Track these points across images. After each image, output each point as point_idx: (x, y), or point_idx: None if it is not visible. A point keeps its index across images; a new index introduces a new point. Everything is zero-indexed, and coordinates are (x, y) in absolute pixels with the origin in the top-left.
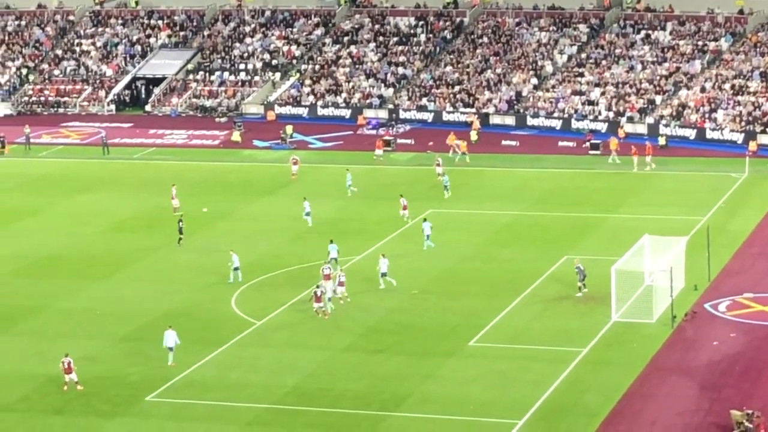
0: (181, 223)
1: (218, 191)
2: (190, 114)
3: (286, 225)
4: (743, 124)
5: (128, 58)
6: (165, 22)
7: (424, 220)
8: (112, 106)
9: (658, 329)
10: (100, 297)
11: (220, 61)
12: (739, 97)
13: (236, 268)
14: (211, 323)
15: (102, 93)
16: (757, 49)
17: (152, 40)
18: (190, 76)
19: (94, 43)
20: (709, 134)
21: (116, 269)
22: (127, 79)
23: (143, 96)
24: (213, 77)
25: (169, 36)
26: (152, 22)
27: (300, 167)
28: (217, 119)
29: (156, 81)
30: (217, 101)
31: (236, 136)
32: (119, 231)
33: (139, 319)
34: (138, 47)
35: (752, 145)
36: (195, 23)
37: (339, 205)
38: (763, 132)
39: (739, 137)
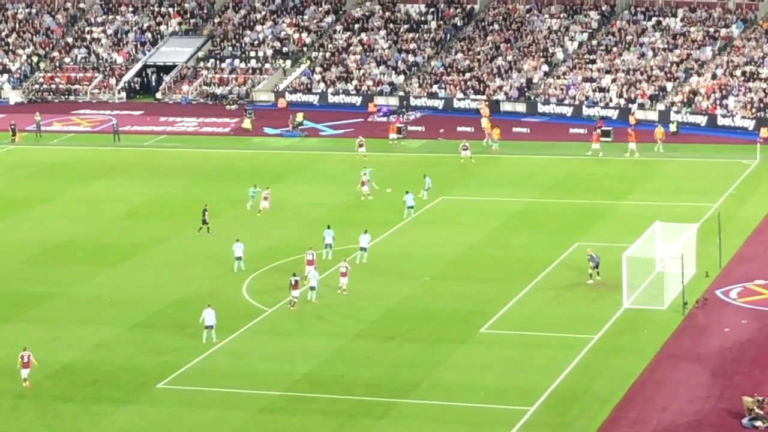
0: (206, 213)
1: (229, 178)
2: (201, 101)
3: (297, 212)
4: (754, 110)
5: (139, 46)
6: (175, 9)
7: (406, 192)
8: (123, 94)
9: (670, 316)
10: (112, 284)
11: (230, 48)
12: (750, 84)
13: (238, 258)
14: (223, 311)
15: (113, 81)
16: None
17: (163, 27)
18: (201, 64)
19: (104, 31)
20: (720, 121)
21: (128, 256)
22: (137, 66)
23: (154, 84)
24: (223, 65)
25: (180, 23)
26: (163, 9)
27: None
28: (228, 107)
29: (166, 69)
30: (227, 89)
31: (247, 123)
32: (131, 218)
33: (151, 306)
34: (148, 35)
35: (763, 132)
36: (205, 11)
37: (349, 191)
38: None
39: (750, 124)
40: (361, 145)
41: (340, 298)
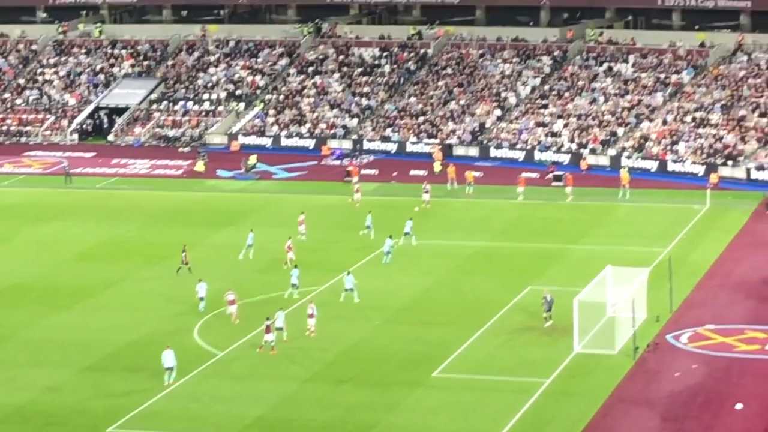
0: (184, 253)
1: (182, 221)
2: (154, 144)
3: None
4: (704, 156)
5: (91, 88)
6: (129, 51)
7: (347, 273)
8: (75, 136)
9: (621, 360)
10: (65, 326)
11: (183, 90)
12: (701, 130)
13: (201, 298)
14: (174, 354)
15: (65, 122)
16: (718, 82)
17: (116, 69)
18: (154, 106)
19: (57, 72)
20: (671, 166)
21: (81, 298)
22: (90, 108)
23: (106, 125)
24: (177, 107)
25: (133, 65)
26: (116, 51)
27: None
28: (181, 149)
29: (119, 110)
30: (180, 131)
31: (200, 166)
32: (83, 260)
33: (103, 348)
34: (101, 76)
35: (713, 178)
36: (159, 53)
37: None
38: (724, 164)
39: (700, 169)
40: (357, 190)
41: (292, 342)
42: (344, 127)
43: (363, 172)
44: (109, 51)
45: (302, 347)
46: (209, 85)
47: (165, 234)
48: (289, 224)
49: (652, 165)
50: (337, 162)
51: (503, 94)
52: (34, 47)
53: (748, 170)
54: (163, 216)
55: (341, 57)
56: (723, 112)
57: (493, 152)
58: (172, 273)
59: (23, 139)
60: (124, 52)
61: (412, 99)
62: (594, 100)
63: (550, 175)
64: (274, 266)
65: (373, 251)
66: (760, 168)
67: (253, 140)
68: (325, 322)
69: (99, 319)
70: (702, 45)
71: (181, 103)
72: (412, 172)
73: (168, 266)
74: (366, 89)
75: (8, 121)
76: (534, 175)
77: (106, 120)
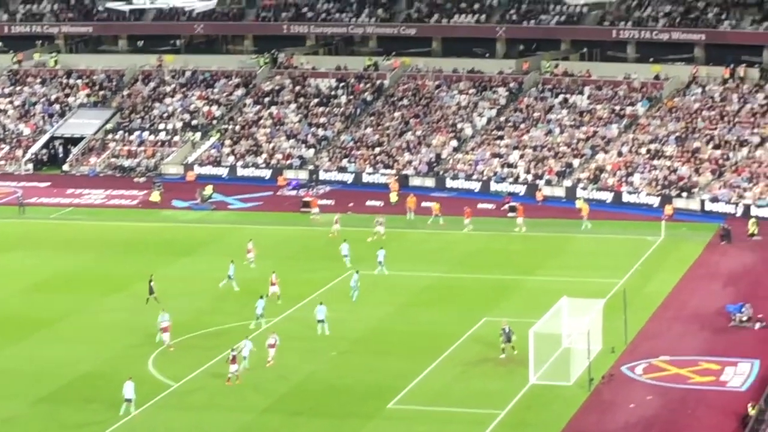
0: (151, 283)
1: (137, 251)
2: (109, 174)
3: (205, 286)
4: (659, 188)
5: (46, 117)
6: (84, 81)
7: (320, 303)
8: (30, 166)
9: (576, 392)
10: (19, 357)
11: (139, 120)
12: (655, 161)
13: (162, 329)
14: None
15: (19, 152)
16: (673, 114)
17: (71, 99)
18: (109, 136)
19: (11, 102)
20: (626, 198)
21: (35, 329)
22: (45, 138)
23: (61, 155)
24: (132, 137)
25: (88, 95)
26: (71, 81)
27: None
28: (136, 179)
29: (74, 140)
30: (136, 161)
31: (155, 196)
32: (38, 291)
33: (57, 380)
34: (56, 106)
35: (668, 209)
36: (114, 83)
37: (258, 265)
38: (678, 196)
39: (655, 201)
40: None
41: (249, 373)
42: (300, 157)
43: (320, 202)
44: (65, 81)
45: (260, 377)
46: (165, 115)
47: (120, 265)
48: (245, 255)
49: (608, 196)
50: (294, 192)
51: (459, 125)
52: None
53: (702, 202)
54: (118, 246)
55: (297, 87)
56: (677, 143)
57: (450, 183)
58: (127, 304)
59: None
60: (79, 81)
61: (369, 130)
62: (549, 132)
63: (506, 206)
64: (229, 296)
65: (328, 282)
66: (714, 200)
67: (209, 170)
68: (282, 353)
69: (53, 350)
70: (656, 77)
71: (137, 133)
72: (369, 203)
73: (123, 297)
74: (322, 120)
75: None
76: (490, 206)
77: (61, 150)
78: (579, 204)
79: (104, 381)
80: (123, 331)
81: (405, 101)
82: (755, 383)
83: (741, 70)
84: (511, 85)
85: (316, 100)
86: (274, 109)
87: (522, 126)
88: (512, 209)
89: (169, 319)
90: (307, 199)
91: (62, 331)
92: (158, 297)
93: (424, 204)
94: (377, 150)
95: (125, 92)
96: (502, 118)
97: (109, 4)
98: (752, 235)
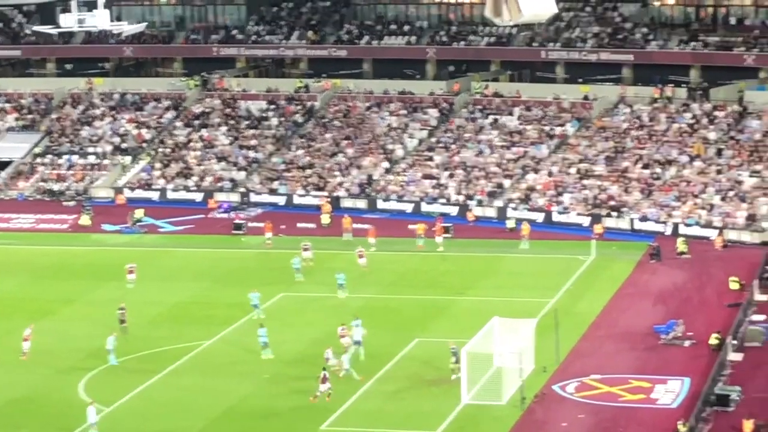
0: (122, 311)
1: (67, 276)
2: (38, 198)
3: (136, 309)
4: (589, 207)
5: None
6: (12, 105)
7: (261, 325)
8: None
9: (509, 411)
10: None
11: (68, 144)
12: (585, 181)
13: (108, 350)
14: (58, 411)
15: None
16: (602, 134)
17: None
18: (38, 160)
19: None
20: (556, 217)
21: None
22: None
23: None
24: (61, 160)
25: (17, 119)
26: None
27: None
28: (65, 203)
29: (2, 164)
30: (65, 185)
31: (85, 220)
32: None
33: None
34: None
35: (598, 228)
36: (43, 106)
37: (189, 289)
38: (608, 215)
39: (585, 220)
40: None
41: (182, 394)
42: (231, 180)
43: (250, 225)
44: None
45: (193, 400)
46: (94, 138)
47: (50, 289)
48: (176, 278)
49: (538, 216)
50: (225, 215)
51: (390, 147)
52: None
53: (631, 221)
54: (47, 271)
55: (228, 110)
56: (607, 163)
57: (381, 204)
58: (56, 328)
59: None
60: (7, 105)
61: (300, 152)
62: (480, 152)
63: (439, 225)
64: (159, 321)
65: (261, 304)
66: (644, 219)
67: (139, 194)
68: (214, 376)
69: None
70: (585, 98)
71: (66, 156)
72: (300, 225)
73: (52, 321)
74: (253, 142)
75: None
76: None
77: None
78: (525, 229)
79: (35, 406)
80: (52, 355)
81: (336, 123)
82: (685, 401)
83: (669, 90)
84: (442, 106)
85: (246, 123)
86: (204, 132)
87: (453, 147)
88: (445, 230)
89: (111, 343)
90: (238, 221)
91: None
92: (127, 327)
93: (355, 226)
94: (309, 172)
95: (54, 116)
96: (433, 139)
97: (37, 28)
98: (681, 253)
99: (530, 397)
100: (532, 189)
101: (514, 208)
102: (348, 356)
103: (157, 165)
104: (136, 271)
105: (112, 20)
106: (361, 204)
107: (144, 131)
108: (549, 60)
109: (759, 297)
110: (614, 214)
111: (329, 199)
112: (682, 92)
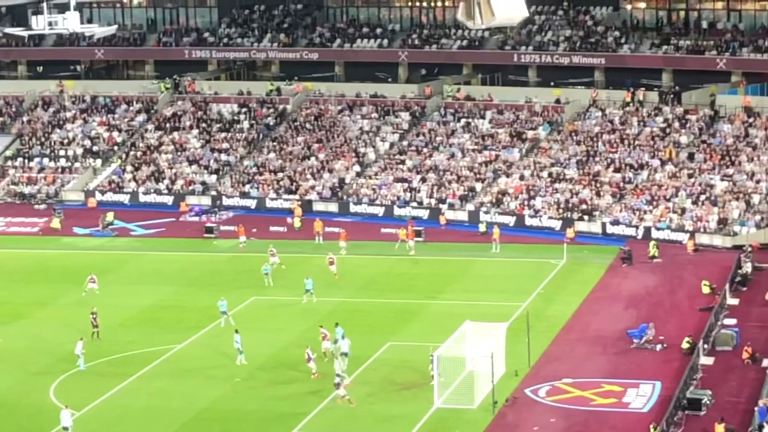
0: (93, 316)
1: (37, 279)
2: (8, 201)
3: (107, 313)
4: (561, 211)
5: None
6: None
7: (236, 331)
8: None
9: (480, 415)
10: None
11: (39, 147)
12: (557, 185)
13: (78, 354)
14: (27, 415)
15: None
16: (574, 138)
17: None
18: (9, 163)
19: None
20: (528, 221)
21: None
22: None
23: None
24: (32, 164)
25: None
26: None
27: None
28: (36, 206)
29: None
30: (36, 188)
31: (56, 223)
32: None
33: None
34: None
35: (569, 232)
36: (14, 109)
37: (161, 292)
38: (580, 219)
39: (557, 224)
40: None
41: (153, 398)
42: (203, 183)
43: (222, 228)
44: None
45: (164, 405)
46: (65, 141)
47: (20, 292)
48: (148, 281)
49: (510, 220)
50: (196, 218)
51: (362, 150)
52: None
53: (603, 224)
54: (17, 274)
55: (199, 113)
56: (578, 167)
57: (353, 208)
58: (27, 331)
59: None
60: None
61: (271, 155)
62: (452, 156)
63: (410, 228)
64: (130, 324)
65: (232, 309)
66: (615, 222)
67: (110, 197)
68: (185, 380)
69: None
70: (557, 101)
71: (37, 159)
72: (272, 228)
73: (23, 325)
74: (225, 145)
75: None
76: (393, 231)
77: None
78: (496, 233)
79: (5, 410)
80: (23, 359)
81: (308, 126)
82: (657, 404)
83: (640, 94)
84: (414, 109)
85: (218, 125)
86: (175, 135)
87: (425, 150)
88: (417, 233)
89: (79, 348)
90: (209, 225)
91: None
92: (99, 332)
93: (327, 229)
94: (280, 175)
95: (25, 118)
96: (405, 143)
97: (8, 30)
98: (653, 257)
99: (502, 400)
100: (504, 193)
101: (486, 212)
102: (341, 364)
103: (129, 168)
104: (97, 281)
105: (83, 22)
106: (333, 207)
107: (115, 134)
108: (521, 63)
109: (730, 301)
110: (586, 217)
111: (301, 203)
112: (653, 96)
